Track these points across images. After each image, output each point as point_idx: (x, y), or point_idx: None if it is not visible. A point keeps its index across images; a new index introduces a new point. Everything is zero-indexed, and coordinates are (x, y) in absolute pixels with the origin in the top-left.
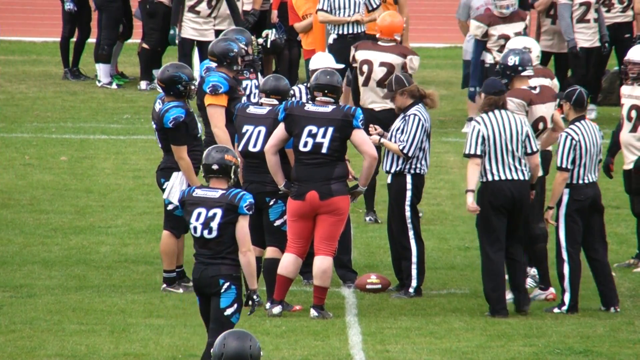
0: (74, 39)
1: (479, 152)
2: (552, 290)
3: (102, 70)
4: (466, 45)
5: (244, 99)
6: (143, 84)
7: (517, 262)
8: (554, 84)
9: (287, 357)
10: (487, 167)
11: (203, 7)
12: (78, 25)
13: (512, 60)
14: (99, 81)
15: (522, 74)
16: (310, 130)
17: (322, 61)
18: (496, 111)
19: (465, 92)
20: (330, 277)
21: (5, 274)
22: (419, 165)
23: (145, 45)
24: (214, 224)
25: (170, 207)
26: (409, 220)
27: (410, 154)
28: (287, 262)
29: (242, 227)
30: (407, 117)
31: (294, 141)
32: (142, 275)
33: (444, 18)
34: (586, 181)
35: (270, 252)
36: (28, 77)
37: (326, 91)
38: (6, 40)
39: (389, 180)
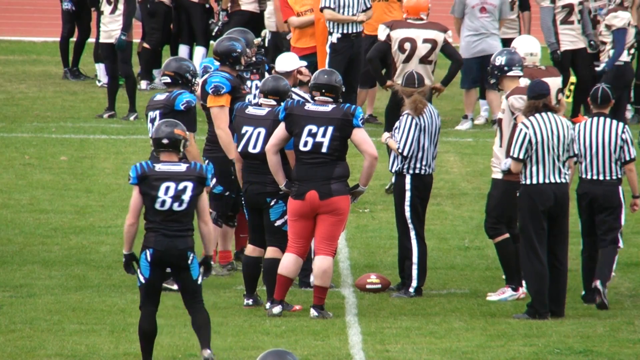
0: (74, 39)
1: (522, 157)
2: (523, 290)
3: (102, 70)
4: (463, 43)
5: (249, 98)
6: (143, 84)
7: (560, 270)
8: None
9: None
10: (531, 170)
11: (106, 8)
12: (78, 25)
13: (499, 60)
14: (99, 81)
15: (509, 74)
16: (310, 130)
17: (290, 62)
18: (543, 114)
19: (463, 91)
20: (331, 277)
21: (5, 274)
22: (418, 166)
23: (145, 45)
24: (186, 197)
25: None
26: (409, 221)
27: (405, 153)
28: (288, 262)
29: (205, 198)
30: (401, 117)
31: (295, 140)
32: None
33: (444, 17)
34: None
35: (270, 252)
36: (28, 77)
37: (324, 90)
38: (6, 40)
39: (393, 180)
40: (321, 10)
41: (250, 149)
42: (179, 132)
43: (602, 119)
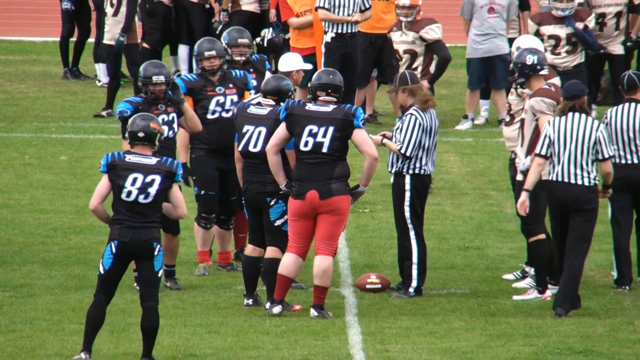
0: (74, 39)
1: (543, 153)
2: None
3: (102, 70)
4: (470, 43)
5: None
6: None
7: (568, 272)
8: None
9: (287, 356)
10: (550, 167)
11: (109, 10)
12: (77, 25)
13: (531, 59)
14: (99, 81)
15: (540, 73)
16: (311, 130)
17: (289, 63)
18: (570, 114)
19: (464, 92)
20: (331, 277)
21: (5, 274)
22: (418, 165)
23: (145, 45)
24: (152, 190)
25: None
26: (409, 221)
27: (408, 154)
28: (288, 262)
29: (178, 191)
30: (404, 117)
31: (295, 140)
32: None
33: (444, 18)
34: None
35: (270, 252)
36: (28, 77)
37: (330, 90)
38: (6, 40)
39: (392, 180)
40: (315, 9)
41: (250, 148)
42: (155, 126)
43: (632, 104)
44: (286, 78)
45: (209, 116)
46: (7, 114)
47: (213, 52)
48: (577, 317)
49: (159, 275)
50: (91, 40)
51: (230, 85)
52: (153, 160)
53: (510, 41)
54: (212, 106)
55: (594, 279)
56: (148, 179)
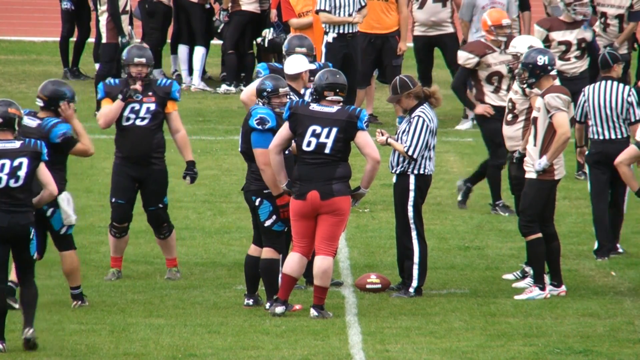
0: (74, 39)
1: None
2: (563, 287)
3: None
4: None
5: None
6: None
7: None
8: None
9: (287, 356)
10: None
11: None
12: (77, 25)
13: (542, 60)
14: None
15: (551, 73)
16: (314, 130)
17: (296, 65)
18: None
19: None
20: (331, 277)
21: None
22: (423, 165)
23: (145, 45)
24: (22, 173)
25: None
26: (411, 221)
27: (415, 156)
28: (292, 262)
29: (45, 170)
30: (411, 119)
31: (297, 140)
32: (142, 275)
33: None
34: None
35: (265, 252)
36: (28, 76)
37: (337, 90)
38: (6, 40)
39: (394, 180)
40: (317, 12)
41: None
42: (13, 111)
43: (609, 82)
44: (281, 78)
45: (123, 123)
46: None
47: (143, 60)
48: (577, 317)
49: (34, 258)
50: (91, 40)
51: (150, 94)
52: (17, 144)
53: None
54: (126, 112)
55: (594, 279)
56: (16, 163)
